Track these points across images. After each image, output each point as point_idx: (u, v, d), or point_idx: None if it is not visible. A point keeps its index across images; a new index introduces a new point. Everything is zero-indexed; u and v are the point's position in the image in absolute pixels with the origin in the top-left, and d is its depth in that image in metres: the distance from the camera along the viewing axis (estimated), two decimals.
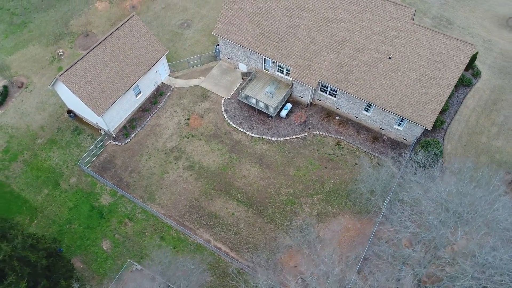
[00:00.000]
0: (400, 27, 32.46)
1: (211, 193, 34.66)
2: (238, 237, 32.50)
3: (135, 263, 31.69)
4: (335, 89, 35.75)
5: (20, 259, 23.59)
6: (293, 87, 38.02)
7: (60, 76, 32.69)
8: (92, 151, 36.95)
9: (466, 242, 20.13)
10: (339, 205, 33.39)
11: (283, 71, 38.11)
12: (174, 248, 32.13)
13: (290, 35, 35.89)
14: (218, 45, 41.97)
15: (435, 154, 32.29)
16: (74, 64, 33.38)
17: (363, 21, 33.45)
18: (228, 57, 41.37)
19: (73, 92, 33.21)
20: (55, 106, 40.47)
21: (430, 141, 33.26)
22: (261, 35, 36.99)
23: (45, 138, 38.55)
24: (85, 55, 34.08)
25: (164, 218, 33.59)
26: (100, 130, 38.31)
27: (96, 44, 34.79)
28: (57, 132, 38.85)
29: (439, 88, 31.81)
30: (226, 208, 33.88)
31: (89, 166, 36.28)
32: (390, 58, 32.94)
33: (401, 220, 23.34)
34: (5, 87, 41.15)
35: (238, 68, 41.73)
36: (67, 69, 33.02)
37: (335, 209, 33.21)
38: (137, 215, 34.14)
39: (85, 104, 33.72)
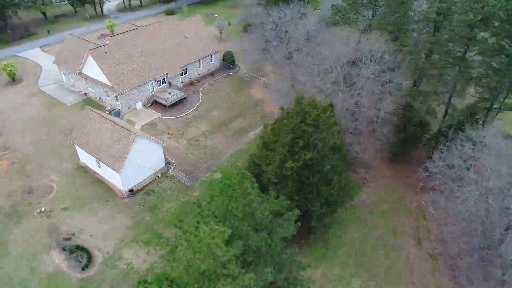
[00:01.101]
0: (181, 30, 65.64)
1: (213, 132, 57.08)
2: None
3: None
4: (185, 67, 64.69)
5: None
6: (171, 84, 62.66)
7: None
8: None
9: None
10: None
11: (160, 83, 61.29)
12: None
13: (151, 62, 59.71)
14: (108, 109, 56.69)
15: (233, 60, 70.83)
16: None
17: (168, 36, 63.49)
18: (128, 106, 57.64)
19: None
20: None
21: (227, 55, 71.03)
22: (139, 73, 57.91)
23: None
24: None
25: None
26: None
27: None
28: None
29: (209, 40, 69.22)
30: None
31: None
32: (187, 37, 66.02)
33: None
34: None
35: (136, 109, 59.01)
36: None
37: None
38: None
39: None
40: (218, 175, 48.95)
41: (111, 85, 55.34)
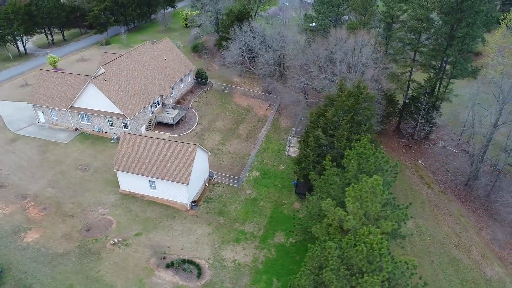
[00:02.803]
0: (158, 53, 66.88)
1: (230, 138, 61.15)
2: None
3: None
4: (178, 83, 66.40)
5: None
6: (165, 104, 63.59)
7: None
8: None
9: None
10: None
11: (156, 104, 61.81)
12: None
13: (147, 86, 60.01)
14: (113, 138, 55.36)
15: (206, 76, 74.77)
16: None
17: (150, 60, 64.25)
18: (136, 131, 56.89)
19: None
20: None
21: (200, 72, 74.49)
22: (140, 97, 57.89)
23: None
24: None
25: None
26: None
27: None
28: None
29: (186, 61, 71.85)
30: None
31: None
32: (165, 59, 67.73)
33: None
34: None
35: (142, 133, 58.48)
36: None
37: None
38: None
39: None
40: (256, 173, 53.23)
41: (121, 112, 54.27)
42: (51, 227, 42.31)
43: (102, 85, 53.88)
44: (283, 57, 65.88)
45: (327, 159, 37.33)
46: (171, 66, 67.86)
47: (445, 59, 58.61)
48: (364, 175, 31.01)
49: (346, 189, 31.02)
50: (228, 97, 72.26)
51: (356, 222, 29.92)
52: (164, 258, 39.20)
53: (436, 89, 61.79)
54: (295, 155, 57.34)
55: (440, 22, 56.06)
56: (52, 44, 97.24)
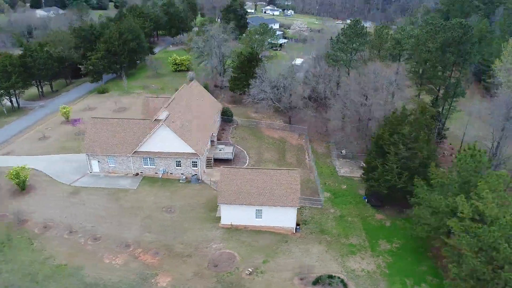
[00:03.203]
0: (196, 93, 68.92)
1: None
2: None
3: None
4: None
5: None
6: (213, 142, 65.41)
7: None
8: None
9: None
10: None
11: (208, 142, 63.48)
12: None
13: (201, 125, 61.64)
14: (182, 178, 55.94)
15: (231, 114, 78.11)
16: None
17: (192, 101, 66.13)
18: (203, 170, 57.65)
19: None
20: None
21: (227, 110, 77.45)
22: (201, 136, 59.30)
23: None
24: None
25: None
26: None
27: None
28: None
29: (215, 100, 74.62)
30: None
31: None
32: (202, 100, 70.03)
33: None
34: None
35: (204, 169, 59.32)
36: None
37: None
38: None
39: None
40: (328, 194, 57.54)
41: (192, 151, 55.10)
42: (176, 269, 41.29)
43: (174, 126, 54.60)
44: (312, 90, 72.94)
45: (432, 165, 44.05)
46: (207, 106, 70.32)
47: (448, 82, 71.21)
48: (490, 170, 38.13)
49: (478, 182, 37.68)
50: (257, 131, 76.14)
51: (498, 209, 36.44)
52: (303, 278, 40.97)
53: (441, 109, 73.87)
54: (347, 174, 63.52)
55: (448, 54, 68.76)
56: (42, 96, 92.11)
